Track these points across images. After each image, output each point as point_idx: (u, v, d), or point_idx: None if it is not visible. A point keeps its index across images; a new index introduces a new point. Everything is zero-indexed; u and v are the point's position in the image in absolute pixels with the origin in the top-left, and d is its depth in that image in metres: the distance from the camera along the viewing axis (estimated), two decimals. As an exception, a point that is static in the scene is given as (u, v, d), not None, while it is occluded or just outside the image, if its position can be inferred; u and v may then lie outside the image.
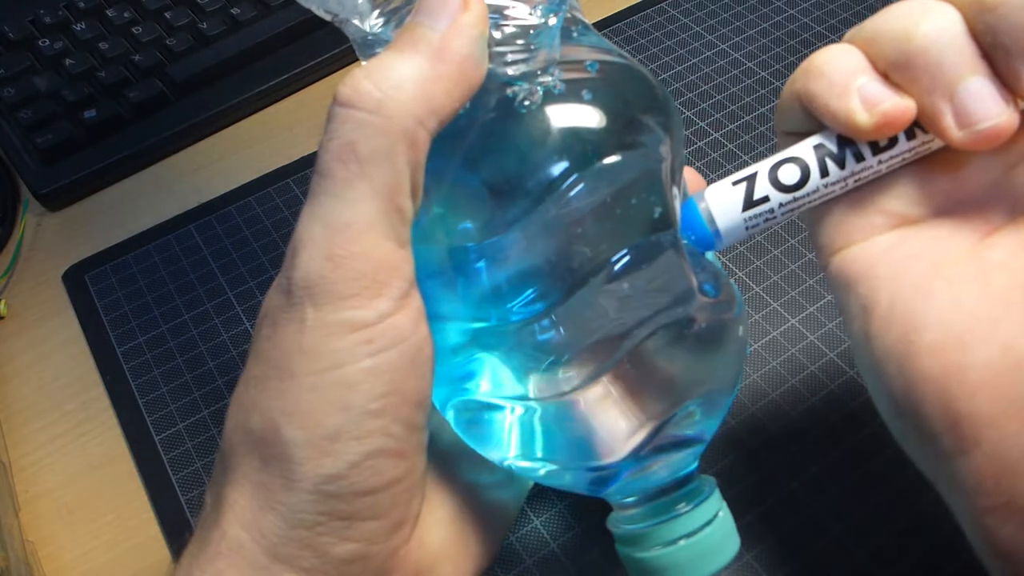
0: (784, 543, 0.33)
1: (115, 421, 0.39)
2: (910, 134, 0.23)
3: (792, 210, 0.24)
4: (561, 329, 0.22)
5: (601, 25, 0.54)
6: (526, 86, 0.22)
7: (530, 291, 0.22)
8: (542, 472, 0.24)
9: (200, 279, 0.43)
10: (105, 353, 0.41)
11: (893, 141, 0.23)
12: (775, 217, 0.24)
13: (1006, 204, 0.23)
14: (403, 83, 0.20)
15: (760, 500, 0.34)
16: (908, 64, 0.22)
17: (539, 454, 0.24)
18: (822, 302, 0.40)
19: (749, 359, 0.38)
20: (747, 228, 0.24)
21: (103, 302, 0.43)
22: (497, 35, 0.23)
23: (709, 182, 0.27)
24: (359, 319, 0.20)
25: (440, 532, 0.25)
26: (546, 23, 0.23)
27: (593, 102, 0.22)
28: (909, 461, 0.34)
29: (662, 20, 0.54)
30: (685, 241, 0.24)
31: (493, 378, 0.23)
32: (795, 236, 0.42)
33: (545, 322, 0.22)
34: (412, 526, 0.23)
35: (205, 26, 0.53)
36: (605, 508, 0.27)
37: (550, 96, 0.22)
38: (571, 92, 0.22)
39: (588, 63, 0.23)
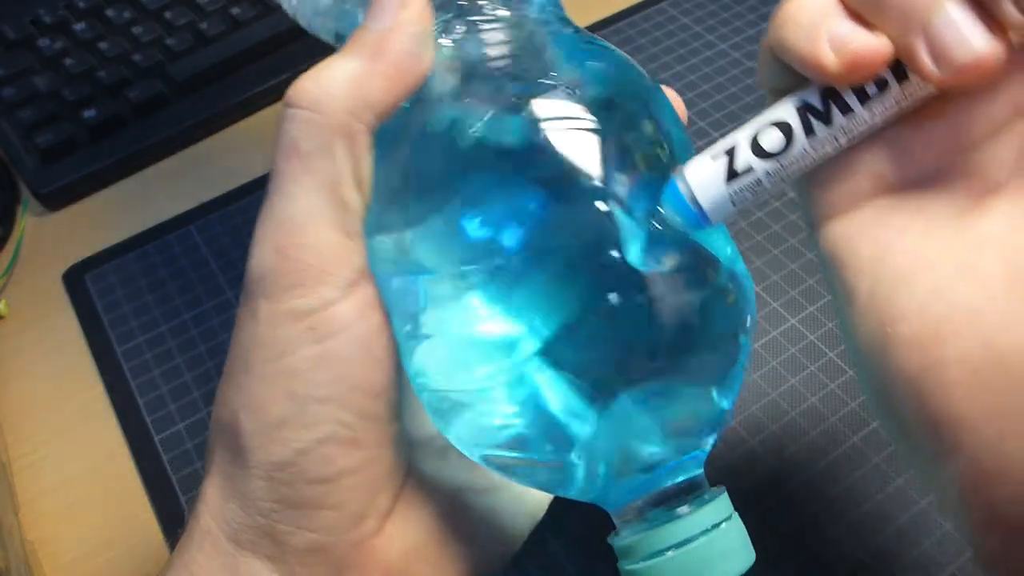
0: (784, 543, 0.33)
1: (115, 421, 0.39)
2: (900, 76, 0.21)
3: (782, 178, 0.22)
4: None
5: (601, 25, 0.54)
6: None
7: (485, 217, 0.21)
8: (515, 460, 0.23)
9: (200, 279, 0.43)
10: (105, 353, 0.41)
11: (883, 87, 0.21)
12: (764, 187, 0.22)
13: (1008, 158, 0.21)
14: (339, 80, 0.21)
15: (760, 500, 0.34)
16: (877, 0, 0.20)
17: (505, 436, 0.22)
18: (822, 302, 0.40)
19: (750, 359, 0.38)
20: (735, 203, 0.22)
21: (103, 302, 0.43)
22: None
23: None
24: (303, 307, 0.21)
25: (417, 532, 0.24)
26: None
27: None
28: (909, 461, 0.34)
29: (662, 20, 0.54)
30: (676, 218, 0.23)
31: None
32: (795, 236, 0.42)
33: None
34: (378, 520, 0.23)
35: (205, 26, 0.53)
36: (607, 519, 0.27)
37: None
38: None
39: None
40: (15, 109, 0.50)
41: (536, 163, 0.21)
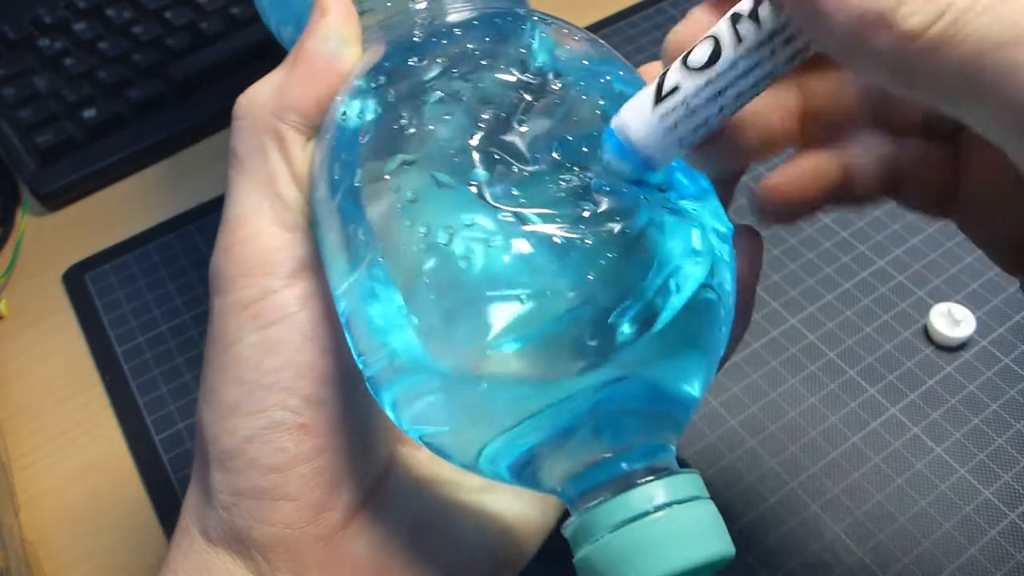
0: (784, 543, 0.33)
1: (115, 421, 0.39)
2: None
3: (717, 97, 0.19)
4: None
5: (602, 25, 0.54)
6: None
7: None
8: (435, 434, 0.21)
9: (200, 279, 0.43)
10: (105, 353, 0.41)
11: None
12: (697, 109, 0.19)
13: None
14: (264, 89, 0.23)
15: (760, 500, 0.34)
16: None
17: (422, 407, 0.20)
18: (822, 302, 0.40)
19: (750, 359, 0.38)
20: (667, 129, 0.19)
21: (103, 302, 0.43)
22: None
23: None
24: (246, 298, 0.22)
25: (390, 529, 0.23)
26: None
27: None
28: (909, 459, 0.34)
29: (662, 20, 0.54)
30: (620, 165, 0.20)
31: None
32: (795, 236, 0.42)
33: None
34: (344, 514, 0.22)
35: (205, 26, 0.53)
36: None
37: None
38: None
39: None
40: (15, 109, 0.50)
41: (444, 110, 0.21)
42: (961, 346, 0.38)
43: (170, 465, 0.37)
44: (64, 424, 0.39)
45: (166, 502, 0.36)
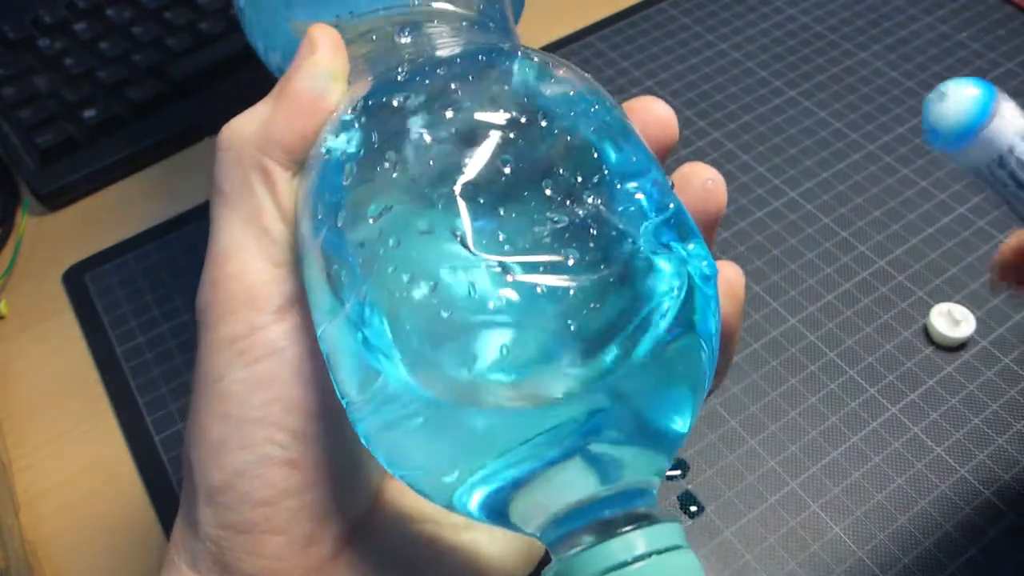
0: (784, 543, 0.33)
1: (115, 421, 0.39)
2: None
3: None
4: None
5: (602, 25, 0.54)
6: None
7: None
8: (416, 471, 0.21)
9: (200, 279, 0.43)
10: (105, 353, 0.41)
11: None
12: None
13: None
14: (250, 123, 0.23)
15: (759, 499, 0.34)
16: None
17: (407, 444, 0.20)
18: (822, 302, 0.40)
19: (750, 359, 0.38)
20: (1010, 147, 0.22)
21: (103, 302, 0.43)
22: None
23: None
24: (234, 333, 0.22)
25: (380, 561, 0.23)
26: None
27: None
28: (909, 460, 0.34)
29: (662, 20, 0.54)
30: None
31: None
32: (795, 236, 0.42)
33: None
34: (333, 546, 0.23)
35: (205, 26, 0.53)
36: None
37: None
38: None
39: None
40: (15, 109, 0.50)
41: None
42: (961, 346, 0.38)
43: (170, 465, 0.37)
44: (64, 424, 0.39)
45: (166, 502, 0.36)
